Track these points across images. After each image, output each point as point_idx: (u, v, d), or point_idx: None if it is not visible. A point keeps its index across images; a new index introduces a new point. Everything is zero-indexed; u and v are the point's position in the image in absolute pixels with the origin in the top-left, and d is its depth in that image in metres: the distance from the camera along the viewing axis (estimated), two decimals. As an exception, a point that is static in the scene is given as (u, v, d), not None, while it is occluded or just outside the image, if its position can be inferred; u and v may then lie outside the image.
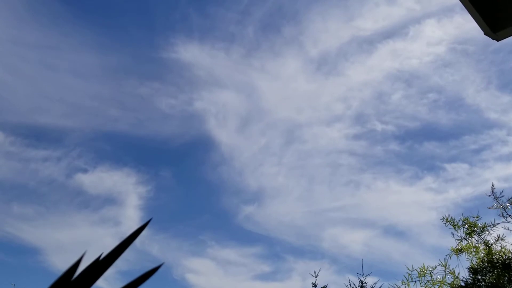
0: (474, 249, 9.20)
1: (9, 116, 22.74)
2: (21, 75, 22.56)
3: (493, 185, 9.50)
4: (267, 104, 22.15)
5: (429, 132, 20.38)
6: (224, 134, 22.07)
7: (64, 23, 21.93)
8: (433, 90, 19.83)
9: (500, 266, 8.70)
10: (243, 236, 22.07)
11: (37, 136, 22.11)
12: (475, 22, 4.67)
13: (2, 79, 22.03)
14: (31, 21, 21.42)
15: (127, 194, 21.14)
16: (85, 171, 21.37)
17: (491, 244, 9.11)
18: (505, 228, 9.20)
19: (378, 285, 9.98)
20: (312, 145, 21.83)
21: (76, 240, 20.18)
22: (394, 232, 19.10)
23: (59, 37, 21.98)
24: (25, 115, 22.36)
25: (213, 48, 21.56)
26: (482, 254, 9.03)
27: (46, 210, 20.88)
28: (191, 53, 21.22)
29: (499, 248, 9.00)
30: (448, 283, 9.04)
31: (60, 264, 19.80)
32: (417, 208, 18.77)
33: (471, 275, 8.90)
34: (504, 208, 9.26)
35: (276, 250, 21.12)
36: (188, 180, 23.43)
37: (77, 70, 22.61)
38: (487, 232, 9.29)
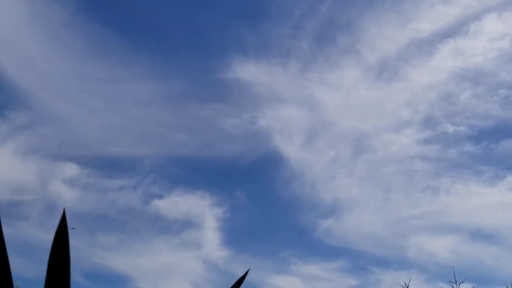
0: None
1: (82, 149, 23.56)
2: (89, 109, 23.38)
3: None
4: (331, 116, 22.32)
5: (504, 130, 20.03)
6: (291, 150, 22.32)
7: (124, 54, 22.67)
8: (503, 86, 19.58)
9: None
10: (325, 250, 22.15)
11: (111, 166, 22.83)
12: None
13: (72, 115, 22.88)
14: (92, 56, 22.24)
15: (204, 217, 21.59)
16: (160, 196, 21.94)
17: None
18: None
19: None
20: (382, 153, 21.81)
21: (161, 265, 20.69)
22: (482, 235, 18.72)
23: (120, 69, 22.73)
24: (98, 147, 23.13)
25: (269, 64, 21.91)
26: None
27: (129, 237, 21.50)
28: (248, 71, 21.62)
29: None
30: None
31: (147, 290, 20.32)
32: (502, 209, 18.45)
33: None
34: None
35: (360, 262, 21.11)
36: (262, 198, 23.73)
37: (141, 99, 23.30)
38: None
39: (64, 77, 22.55)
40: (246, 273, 1.53)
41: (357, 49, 21.04)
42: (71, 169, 21.44)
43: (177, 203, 21.68)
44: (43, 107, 22.30)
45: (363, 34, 21.00)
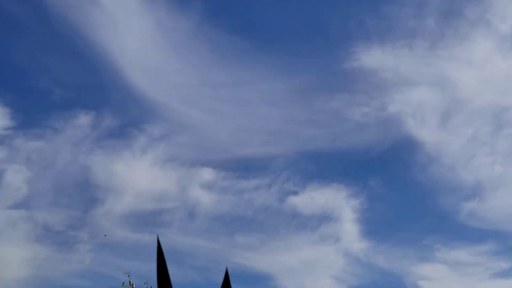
0: None
1: (216, 153, 24.29)
2: (219, 114, 24.03)
3: None
4: (466, 93, 21.15)
5: None
6: (426, 133, 21.44)
7: (247, 57, 23.02)
8: None
9: None
10: (470, 234, 21.09)
11: (245, 167, 23.32)
12: None
13: (204, 121, 23.64)
14: (217, 62, 22.81)
15: (340, 209, 21.36)
16: (295, 193, 22.03)
17: None
18: None
19: None
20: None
21: (301, 261, 20.77)
22: None
23: (245, 72, 23.10)
24: (231, 150, 23.72)
25: (394, 47, 21.18)
26: None
27: (267, 236, 21.81)
28: (373, 57, 21.04)
29: None
30: None
31: (291, 286, 20.48)
32: None
33: None
34: None
35: (511, 244, 19.89)
36: (399, 186, 23.07)
37: (268, 98, 23.53)
38: None
39: (193, 85, 23.37)
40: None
41: (487, 19, 19.77)
42: (207, 174, 22.17)
43: (313, 198, 21.63)
44: (176, 117, 23.27)
45: (491, 3, 19.68)
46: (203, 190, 21.69)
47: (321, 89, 22.90)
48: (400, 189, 23.19)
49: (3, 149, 21.53)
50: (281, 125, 23.37)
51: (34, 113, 23.12)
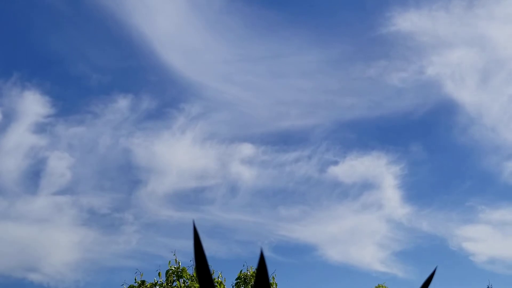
0: None
1: (255, 128, 24.39)
2: (256, 89, 24.06)
3: None
4: (506, 51, 20.67)
5: None
6: (465, 94, 21.09)
7: (281, 30, 22.91)
8: None
9: None
10: (514, 193, 20.78)
11: (284, 140, 23.37)
12: None
13: (241, 97, 23.71)
14: (252, 37, 22.77)
15: (382, 177, 21.29)
16: (335, 163, 22.03)
17: None
18: None
19: None
20: None
21: (345, 230, 20.85)
22: None
23: (281, 45, 23.02)
24: (269, 124, 23.77)
25: (431, 10, 20.76)
26: None
27: (310, 207, 21.92)
28: (410, 21, 20.68)
29: None
30: None
31: (337, 256, 20.60)
32: None
33: None
34: None
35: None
36: (440, 149, 22.82)
37: (305, 70, 23.44)
38: None
39: (228, 62, 23.42)
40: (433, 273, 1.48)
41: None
42: (247, 149, 22.31)
43: (353, 167, 21.58)
44: (213, 94, 23.41)
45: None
46: (244, 166, 21.87)
47: (358, 57, 22.71)
48: (441, 152, 22.95)
49: (45, 136, 22.07)
50: (318, 96, 23.32)
51: (73, 100, 23.61)
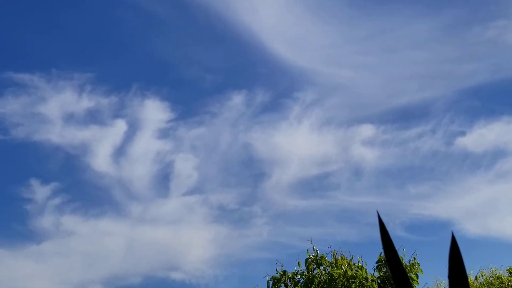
0: None
1: (372, 108, 24.05)
2: (368, 68, 23.68)
3: None
4: None
5: None
6: None
7: (385, 3, 22.35)
8: None
9: None
10: None
11: (404, 117, 22.88)
12: None
13: (354, 78, 23.43)
14: (357, 17, 22.39)
15: (514, 142, 20.28)
16: (463, 133, 21.29)
17: None
18: None
19: None
20: None
21: (481, 202, 20.09)
22: None
23: (387, 19, 22.46)
24: (386, 102, 23.37)
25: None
26: None
27: (440, 182, 21.31)
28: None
29: None
30: None
31: (475, 230, 19.90)
32: None
33: None
34: None
35: None
36: None
37: (417, 41, 22.78)
38: None
39: (336, 45, 23.20)
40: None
41: None
42: (367, 130, 22.05)
43: (482, 136, 20.75)
44: (325, 79, 23.31)
45: None
46: (365, 147, 21.63)
47: (473, 20, 21.77)
48: None
49: (169, 141, 22.95)
50: (434, 67, 22.63)
51: (190, 102, 24.42)
